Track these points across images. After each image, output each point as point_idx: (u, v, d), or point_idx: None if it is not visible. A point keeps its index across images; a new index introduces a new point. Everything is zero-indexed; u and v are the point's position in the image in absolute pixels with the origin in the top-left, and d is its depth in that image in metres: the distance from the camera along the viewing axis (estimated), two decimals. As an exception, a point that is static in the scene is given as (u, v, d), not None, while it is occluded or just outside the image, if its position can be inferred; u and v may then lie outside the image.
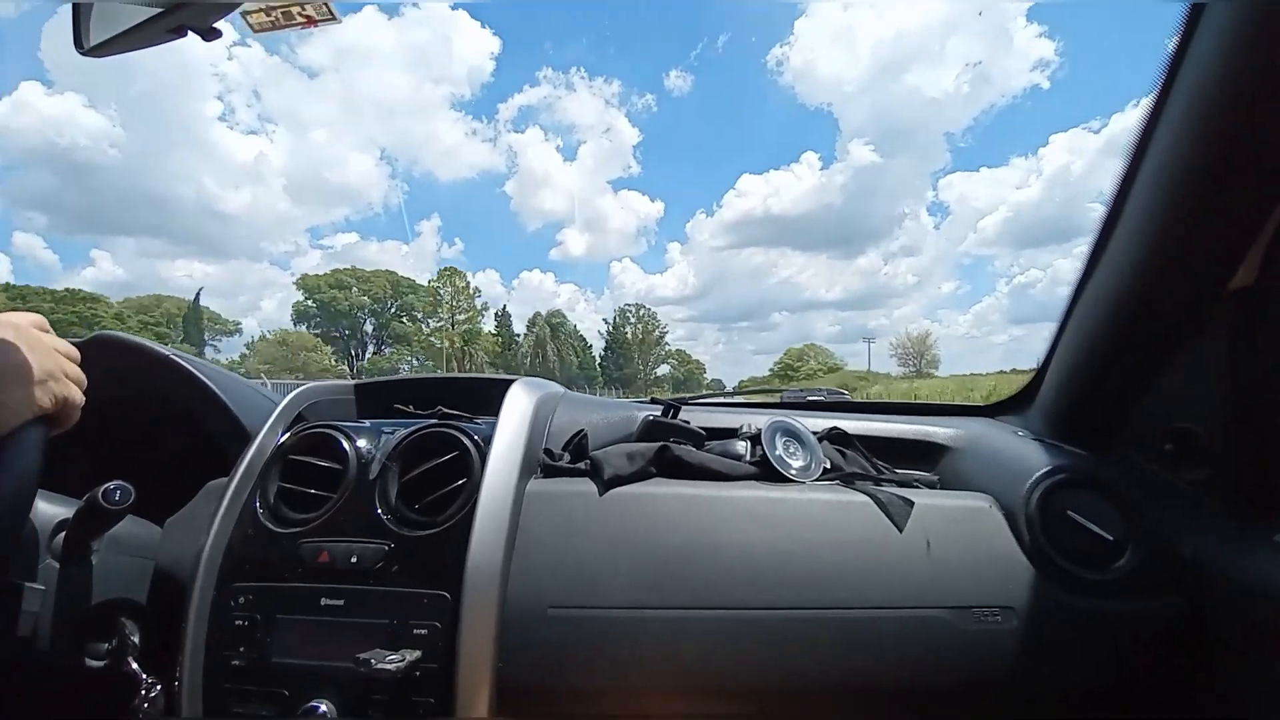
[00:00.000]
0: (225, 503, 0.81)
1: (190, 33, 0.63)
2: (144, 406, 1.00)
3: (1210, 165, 0.65)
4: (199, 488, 0.90)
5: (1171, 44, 0.65)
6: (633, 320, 70.50)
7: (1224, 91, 0.61)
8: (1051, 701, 0.74)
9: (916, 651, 0.71)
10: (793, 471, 0.85)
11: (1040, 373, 1.02)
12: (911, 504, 0.77)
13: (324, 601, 0.73)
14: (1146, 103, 0.70)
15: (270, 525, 0.79)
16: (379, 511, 0.78)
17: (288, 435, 0.89)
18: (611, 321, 70.55)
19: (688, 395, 1.25)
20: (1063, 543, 0.76)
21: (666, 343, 71.61)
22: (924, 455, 1.02)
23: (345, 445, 0.84)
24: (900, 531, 0.76)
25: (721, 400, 1.24)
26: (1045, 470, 0.81)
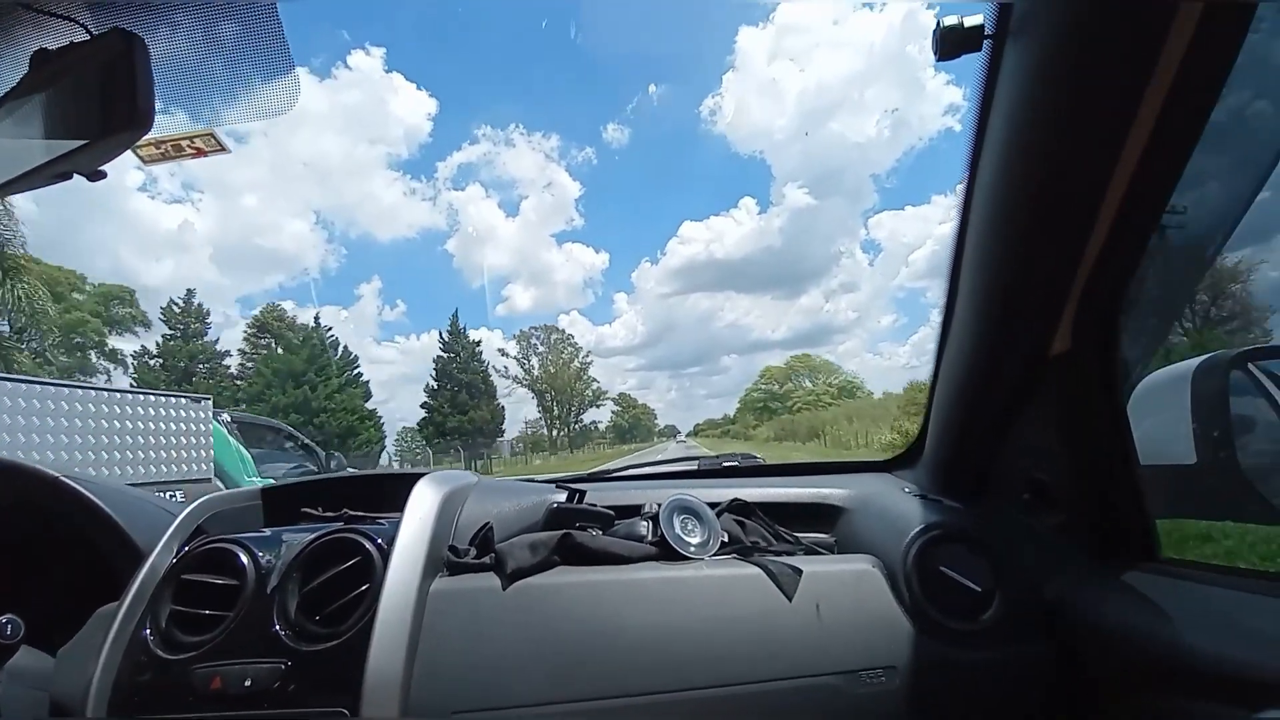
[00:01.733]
0: (114, 631, 0.78)
1: (76, 175, 0.66)
2: (32, 530, 0.97)
3: (1013, 238, 0.73)
4: (92, 612, 0.86)
5: (975, 103, 0.72)
6: (540, 349, 55.01)
7: (1016, 173, 0.69)
8: None
9: (813, 718, 0.74)
10: (691, 549, 0.88)
11: (924, 426, 1.10)
12: (800, 572, 0.82)
13: None
14: (961, 181, 0.79)
15: (160, 652, 0.77)
16: (276, 628, 0.77)
17: (184, 552, 0.87)
18: (513, 356, 53.70)
19: (600, 470, 1.28)
20: (938, 597, 0.81)
21: (593, 378, 58.73)
22: (823, 517, 1.07)
23: (243, 559, 0.83)
24: (790, 601, 0.80)
25: (638, 475, 1.28)
26: (920, 529, 0.86)
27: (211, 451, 6.41)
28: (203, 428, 6.35)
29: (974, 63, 0.70)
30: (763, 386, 67.62)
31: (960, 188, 0.79)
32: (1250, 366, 0.82)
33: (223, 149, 0.76)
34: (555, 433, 55.69)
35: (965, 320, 0.84)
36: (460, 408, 40.52)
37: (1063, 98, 0.61)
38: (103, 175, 0.66)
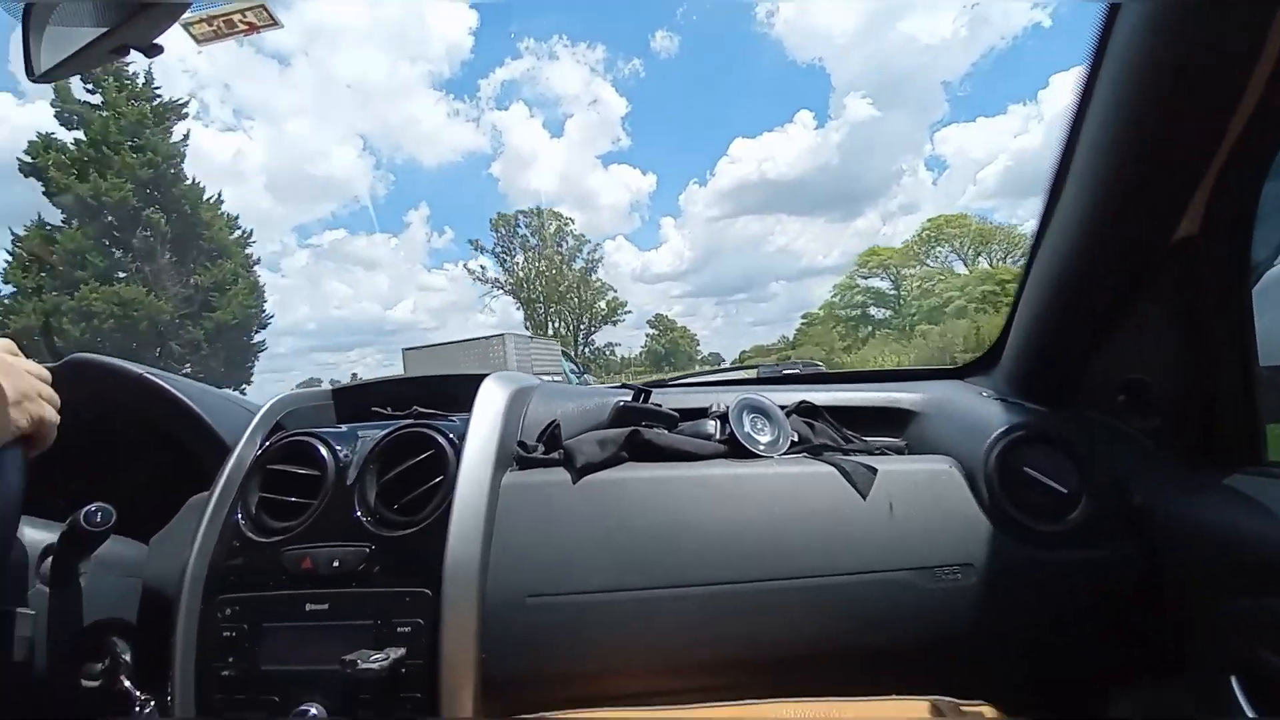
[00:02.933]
0: (207, 517, 0.82)
1: (134, 50, 0.64)
2: (121, 426, 1.01)
3: (1147, 119, 0.66)
4: (182, 504, 0.91)
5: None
6: (532, 240, 40.25)
7: (1155, 53, 0.62)
8: (1016, 651, 0.77)
9: (882, 613, 0.74)
10: (760, 447, 0.87)
11: (1004, 332, 1.04)
12: (875, 471, 0.80)
13: (309, 607, 0.75)
14: (1085, 60, 0.71)
15: (253, 536, 0.81)
16: (358, 515, 0.80)
17: (266, 445, 0.90)
18: (489, 249, 40.63)
19: (663, 378, 1.27)
20: (1020, 498, 0.78)
21: (607, 285, 43.53)
22: (892, 421, 1.04)
23: (322, 451, 0.86)
24: (864, 498, 0.78)
25: (697, 381, 1.26)
26: (1002, 430, 0.83)
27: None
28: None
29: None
30: (862, 282, 40.23)
31: (1084, 65, 0.70)
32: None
33: (275, 23, 0.72)
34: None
35: (1077, 206, 0.76)
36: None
37: None
38: (159, 50, 0.64)
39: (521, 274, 40.63)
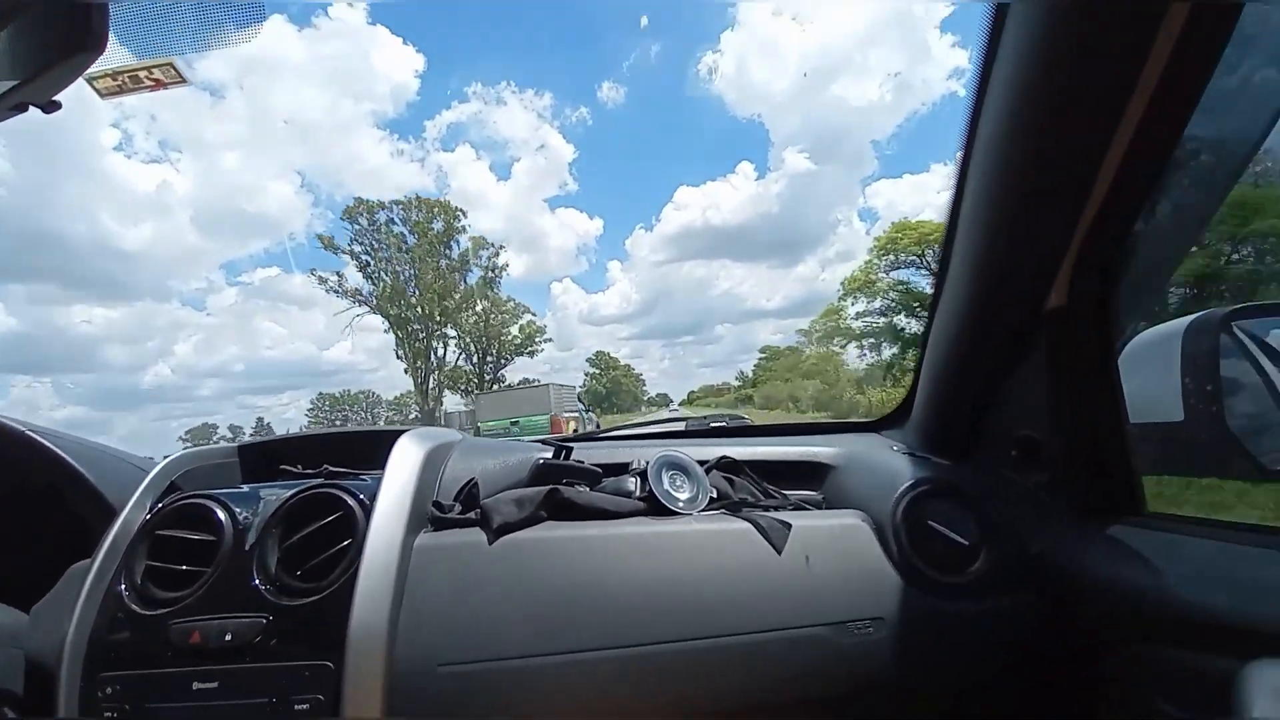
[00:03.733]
0: (87, 587, 0.76)
1: (31, 107, 0.62)
2: (4, 487, 0.94)
3: (1011, 203, 0.72)
4: (66, 569, 0.84)
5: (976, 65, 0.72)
6: (408, 239, 30.62)
7: (1014, 147, 0.68)
8: (927, 704, 0.79)
9: (799, 670, 0.75)
10: (679, 504, 0.87)
11: (913, 387, 1.10)
12: (789, 526, 0.82)
13: (196, 686, 0.70)
14: (958, 150, 0.78)
15: (136, 608, 0.75)
16: (256, 582, 0.76)
17: (158, 508, 0.85)
18: (346, 248, 30.44)
19: (587, 432, 1.27)
20: (925, 551, 0.81)
21: (520, 304, 35.33)
22: (811, 475, 1.07)
23: (219, 514, 0.81)
24: (779, 554, 0.80)
25: (624, 435, 1.27)
26: (909, 483, 0.87)
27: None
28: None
29: (981, 20, 0.68)
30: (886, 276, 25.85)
31: (960, 144, 0.77)
32: (1240, 324, 0.82)
33: (182, 80, 0.71)
34: (430, 402, 31.10)
35: (961, 276, 0.83)
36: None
37: (1067, 53, 0.59)
38: (57, 106, 0.63)
39: (392, 285, 30.00)
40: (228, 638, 0.71)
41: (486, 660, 0.71)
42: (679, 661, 0.73)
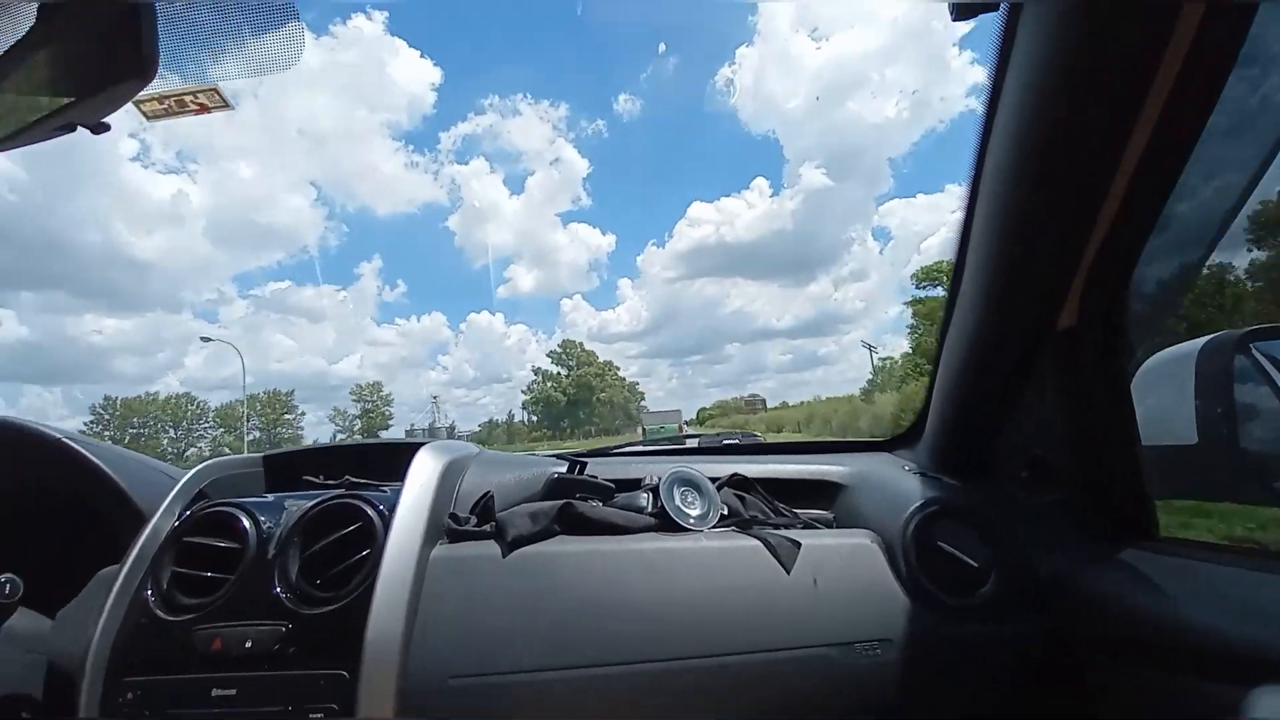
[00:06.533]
0: (115, 592, 0.79)
1: (80, 127, 0.65)
2: (34, 492, 0.97)
3: (1023, 210, 0.73)
4: (93, 575, 0.87)
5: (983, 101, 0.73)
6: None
7: (1022, 169, 0.69)
8: None
9: (805, 690, 0.75)
10: (690, 521, 0.88)
11: (925, 407, 1.10)
12: (799, 545, 0.82)
13: (215, 692, 0.71)
14: (968, 173, 0.79)
15: (161, 614, 0.77)
16: (277, 590, 0.77)
17: (186, 515, 0.87)
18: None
19: (601, 448, 1.28)
20: (934, 572, 0.81)
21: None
22: (822, 494, 1.07)
23: (245, 523, 0.84)
24: (788, 573, 0.80)
25: (637, 451, 1.28)
26: (919, 504, 0.87)
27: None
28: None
29: (992, 38, 0.69)
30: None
31: (971, 161, 0.78)
32: (1259, 345, 0.81)
33: (227, 105, 0.74)
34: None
35: (971, 297, 0.84)
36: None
37: (1077, 67, 0.60)
38: (106, 128, 0.66)
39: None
40: (248, 645, 0.73)
41: (496, 673, 0.72)
42: (685, 679, 0.74)
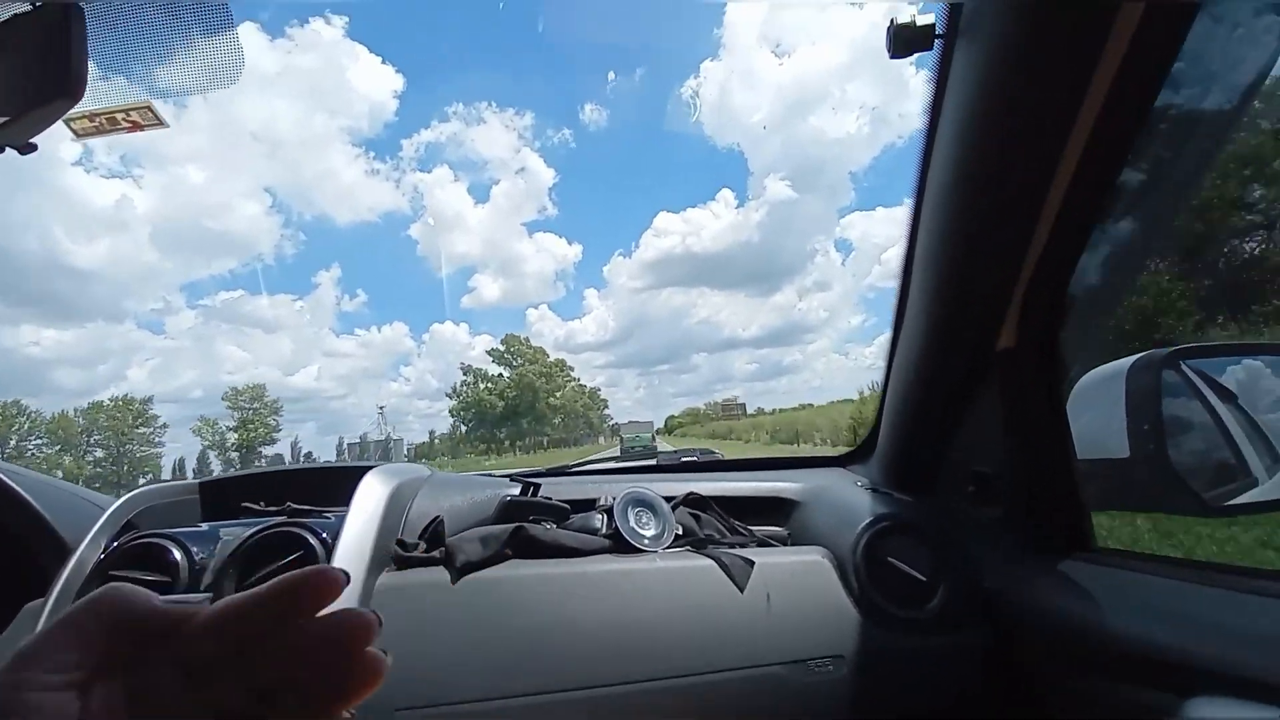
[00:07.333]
0: (40, 627, 0.74)
1: (8, 149, 0.62)
2: None
3: (960, 235, 0.75)
4: (19, 608, 0.82)
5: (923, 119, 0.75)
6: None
7: (959, 195, 0.72)
8: None
9: (761, 708, 0.75)
10: (645, 541, 0.88)
11: (877, 423, 1.12)
12: (752, 563, 0.82)
13: None
14: (910, 195, 0.81)
15: None
16: None
17: (113, 547, 0.83)
18: None
19: (555, 467, 1.27)
20: (884, 587, 0.83)
21: None
22: (777, 510, 1.08)
23: (175, 555, 0.80)
24: (742, 592, 0.80)
25: (594, 469, 1.27)
26: (869, 520, 0.88)
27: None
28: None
29: (931, 70, 0.72)
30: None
31: (913, 187, 0.81)
32: (1190, 363, 0.85)
33: (160, 123, 0.72)
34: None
35: (915, 318, 0.86)
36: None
37: (1007, 99, 0.63)
38: (33, 148, 0.63)
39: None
40: None
41: (445, 704, 0.70)
42: (639, 702, 0.73)
